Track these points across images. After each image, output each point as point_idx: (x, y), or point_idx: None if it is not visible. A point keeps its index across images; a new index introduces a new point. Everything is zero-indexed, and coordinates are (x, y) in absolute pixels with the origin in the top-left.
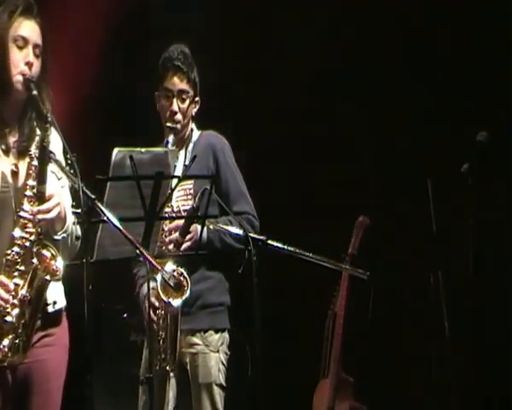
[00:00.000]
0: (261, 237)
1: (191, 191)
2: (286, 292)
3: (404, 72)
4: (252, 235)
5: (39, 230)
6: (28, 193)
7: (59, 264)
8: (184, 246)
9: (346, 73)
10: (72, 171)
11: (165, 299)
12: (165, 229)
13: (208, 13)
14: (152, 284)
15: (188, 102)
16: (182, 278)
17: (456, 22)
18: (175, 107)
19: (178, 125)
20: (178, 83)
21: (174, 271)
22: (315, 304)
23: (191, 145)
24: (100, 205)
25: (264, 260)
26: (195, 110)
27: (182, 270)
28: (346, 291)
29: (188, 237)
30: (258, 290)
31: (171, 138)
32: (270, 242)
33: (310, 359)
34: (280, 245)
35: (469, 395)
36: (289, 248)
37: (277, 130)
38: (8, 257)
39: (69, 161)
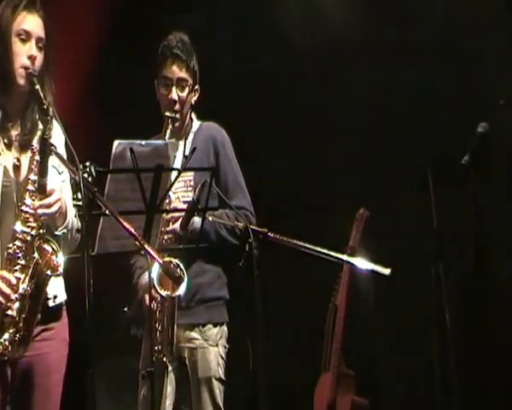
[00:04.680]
0: (262, 230)
1: (191, 183)
2: (286, 285)
3: (401, 63)
4: (253, 227)
5: (41, 224)
6: (30, 187)
7: (60, 259)
8: (165, 237)
9: (345, 72)
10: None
11: (161, 293)
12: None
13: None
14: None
15: (187, 90)
16: (178, 271)
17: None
18: (174, 95)
19: (177, 115)
20: (177, 71)
21: (170, 263)
22: (315, 297)
23: (191, 136)
24: (101, 198)
25: (265, 253)
26: (195, 99)
27: (178, 262)
28: (347, 284)
29: (168, 228)
30: (259, 283)
31: (169, 130)
32: (270, 234)
33: (311, 352)
34: (280, 237)
35: (470, 388)
36: (290, 240)
37: (277, 124)
38: (10, 251)
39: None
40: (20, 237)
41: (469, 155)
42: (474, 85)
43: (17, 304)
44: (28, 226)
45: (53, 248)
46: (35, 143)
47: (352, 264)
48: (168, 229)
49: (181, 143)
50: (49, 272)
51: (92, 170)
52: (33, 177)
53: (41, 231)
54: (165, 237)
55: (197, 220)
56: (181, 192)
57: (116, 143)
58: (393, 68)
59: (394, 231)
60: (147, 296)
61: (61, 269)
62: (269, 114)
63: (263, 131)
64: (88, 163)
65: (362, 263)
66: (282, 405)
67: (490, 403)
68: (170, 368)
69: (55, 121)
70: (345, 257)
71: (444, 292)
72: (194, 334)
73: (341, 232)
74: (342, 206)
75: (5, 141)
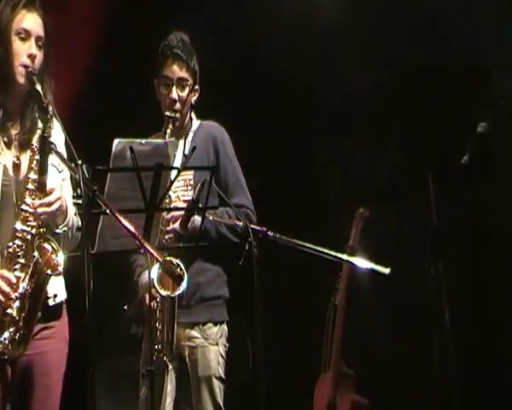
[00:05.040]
0: (262, 229)
1: (191, 182)
2: (286, 284)
3: (401, 62)
4: (252, 226)
5: (41, 223)
6: (30, 186)
7: (60, 258)
8: (166, 237)
9: (344, 70)
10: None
11: (162, 293)
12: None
13: None
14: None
15: (187, 90)
16: (179, 270)
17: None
18: (174, 95)
19: (178, 114)
20: (178, 71)
21: (170, 262)
22: (315, 296)
23: (191, 135)
24: (101, 196)
25: (265, 252)
26: (195, 98)
27: (178, 261)
28: (347, 283)
29: (168, 228)
30: (259, 282)
31: (168, 130)
32: (270, 233)
33: (311, 352)
34: (280, 237)
35: (470, 385)
36: (290, 240)
37: (277, 123)
38: (10, 250)
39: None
40: (20, 235)
41: (469, 155)
42: (473, 85)
43: (17, 303)
44: (28, 225)
45: (53, 247)
46: (35, 141)
47: (352, 263)
48: (168, 228)
49: (181, 142)
50: (49, 271)
51: (84, 169)
52: (33, 175)
53: (41, 229)
54: (166, 236)
55: (197, 219)
56: (181, 191)
57: (116, 141)
58: (393, 68)
59: (394, 230)
60: (147, 295)
61: (60, 268)
62: (269, 114)
63: (263, 130)
64: (79, 162)
65: (362, 262)
66: (282, 404)
67: (490, 403)
68: (170, 367)
69: (54, 120)
70: (345, 256)
71: (444, 292)
72: (194, 333)
73: (341, 232)
74: (342, 206)
75: (5, 140)
